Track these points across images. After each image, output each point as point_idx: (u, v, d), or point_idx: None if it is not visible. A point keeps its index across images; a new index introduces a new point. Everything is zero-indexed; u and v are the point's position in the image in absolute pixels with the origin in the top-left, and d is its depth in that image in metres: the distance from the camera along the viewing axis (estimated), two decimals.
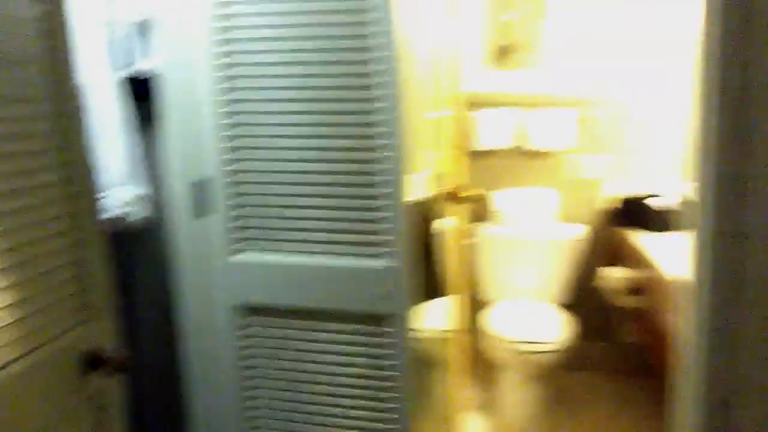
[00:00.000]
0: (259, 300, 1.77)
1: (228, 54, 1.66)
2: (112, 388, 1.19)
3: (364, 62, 1.59)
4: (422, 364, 2.73)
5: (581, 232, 2.95)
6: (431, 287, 3.16)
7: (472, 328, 3.12)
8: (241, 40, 1.65)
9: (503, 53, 3.07)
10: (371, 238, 1.67)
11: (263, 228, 1.74)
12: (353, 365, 1.74)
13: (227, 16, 1.64)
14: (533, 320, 2.73)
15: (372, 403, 1.75)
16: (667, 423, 1.48)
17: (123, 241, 2.01)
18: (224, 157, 1.71)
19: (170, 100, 1.73)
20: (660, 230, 2.59)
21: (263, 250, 1.75)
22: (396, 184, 1.63)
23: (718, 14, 1.21)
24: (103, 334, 1.16)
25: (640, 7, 2.89)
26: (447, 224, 2.10)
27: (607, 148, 3.03)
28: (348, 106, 1.63)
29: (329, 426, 1.79)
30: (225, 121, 1.70)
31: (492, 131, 3.04)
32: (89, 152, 1.15)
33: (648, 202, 2.72)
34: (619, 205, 2.88)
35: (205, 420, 1.87)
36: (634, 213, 2.77)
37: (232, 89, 1.68)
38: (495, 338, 2.62)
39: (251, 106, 1.68)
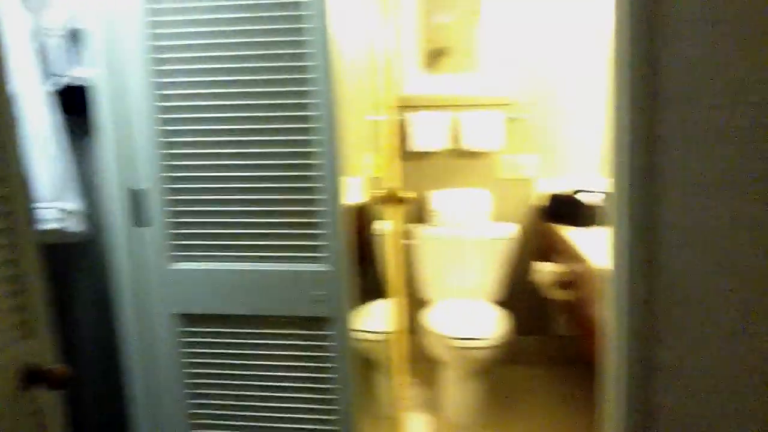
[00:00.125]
0: (200, 308, 1.77)
1: (161, 62, 1.66)
2: (52, 402, 1.18)
3: (298, 67, 1.61)
4: (364, 364, 2.77)
5: (514, 230, 3.05)
6: (372, 289, 3.21)
7: (413, 328, 3.19)
8: (174, 48, 1.65)
9: (437, 56, 3.14)
10: (309, 242, 1.70)
11: (202, 236, 1.74)
12: (294, 369, 1.76)
13: (159, 23, 1.64)
14: (471, 318, 2.80)
15: (314, 406, 1.77)
16: (599, 405, 1.56)
17: (60, 253, 1.98)
18: (161, 165, 1.70)
19: (104, 110, 1.70)
20: (589, 225, 2.71)
21: (202, 257, 1.75)
22: (332, 187, 1.66)
23: (626, 16, 1.29)
24: (42, 349, 1.15)
25: (566, 12, 3.02)
26: (385, 226, 2.14)
27: (537, 147, 3.14)
28: (283, 112, 1.64)
29: (273, 430, 1.80)
30: (160, 129, 1.69)
31: (427, 133, 3.10)
32: (23, 165, 1.14)
33: (578, 198, 2.83)
34: (551, 202, 2.98)
35: (148, 429, 1.86)
36: (565, 209, 2.88)
37: (166, 96, 1.67)
38: (434, 336, 2.68)
39: (186, 113, 1.68)
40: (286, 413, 1.79)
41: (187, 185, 1.72)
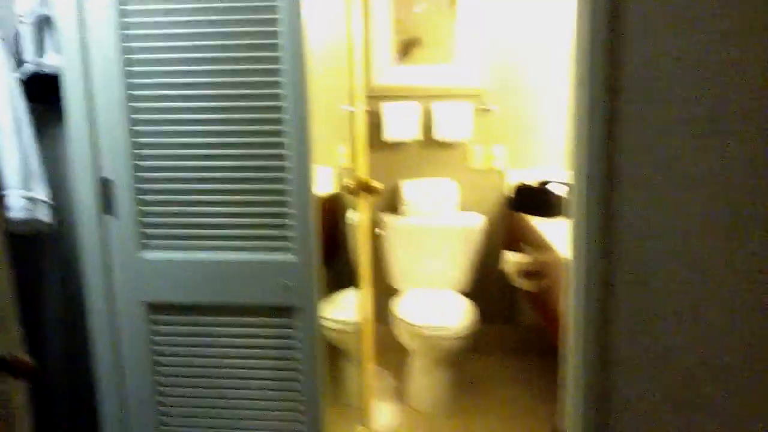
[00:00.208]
0: (169, 297, 1.78)
1: (131, 50, 1.66)
2: (18, 392, 1.19)
3: (269, 57, 1.62)
4: (334, 353, 2.80)
5: (483, 220, 3.09)
6: (344, 278, 3.24)
7: (383, 317, 3.22)
8: (144, 36, 1.65)
9: (410, 46, 3.16)
10: (278, 232, 1.72)
11: (171, 225, 1.74)
12: (264, 357, 1.78)
13: (129, 12, 1.63)
14: (438, 307, 2.85)
15: (282, 393, 1.79)
16: (561, 394, 1.61)
17: (28, 243, 1.97)
18: (131, 154, 1.70)
19: (73, 99, 1.69)
20: (556, 215, 2.76)
21: (172, 247, 1.76)
22: (301, 177, 1.67)
23: (587, 12, 1.33)
24: (8, 340, 1.16)
25: (540, 5, 3.06)
26: (357, 216, 2.17)
27: (507, 138, 3.19)
28: (253, 101, 1.65)
29: (242, 418, 1.83)
30: (130, 117, 1.69)
31: (400, 123, 3.13)
32: None
33: (545, 188, 2.88)
34: (519, 193, 3.02)
35: (117, 418, 1.87)
36: (533, 200, 2.92)
37: (137, 85, 1.67)
38: (403, 325, 2.71)
39: (156, 102, 1.68)
40: (254, 399, 1.81)
41: (157, 174, 1.72)
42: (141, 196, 1.73)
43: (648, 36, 1.34)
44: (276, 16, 1.60)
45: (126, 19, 1.64)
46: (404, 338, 2.75)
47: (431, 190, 3.12)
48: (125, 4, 1.64)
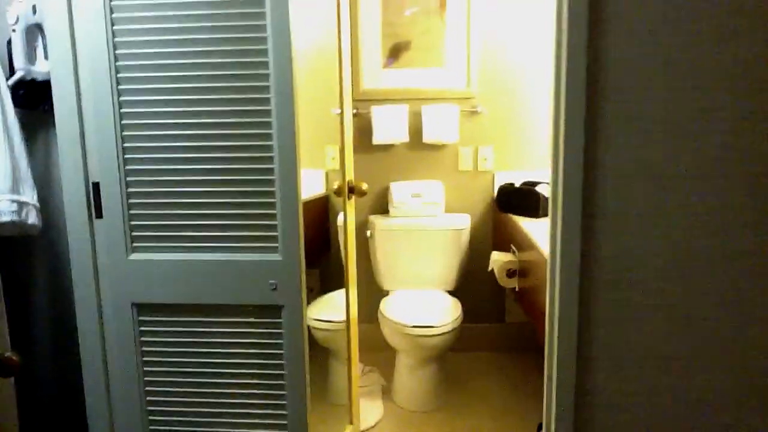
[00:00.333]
0: (157, 297, 1.82)
1: (120, 57, 1.69)
2: (5, 389, 1.21)
3: (257, 63, 1.66)
4: (323, 352, 2.84)
5: (471, 220, 3.13)
6: (333, 279, 3.27)
7: (372, 317, 3.26)
8: (132, 44, 1.68)
9: (399, 50, 3.20)
10: (264, 232, 1.75)
11: (159, 227, 1.78)
12: (249, 356, 1.82)
13: (118, 19, 1.67)
14: (425, 306, 2.88)
15: (268, 392, 1.83)
16: (546, 388, 1.64)
17: (17, 245, 2.01)
18: (119, 157, 1.74)
19: (62, 104, 1.74)
20: (542, 215, 2.79)
21: (160, 248, 1.80)
22: (287, 179, 1.71)
23: (566, 13, 1.37)
24: None
25: (526, 9, 3.10)
26: (346, 217, 2.20)
27: (494, 140, 3.23)
28: (241, 106, 1.69)
29: (229, 417, 1.86)
30: (119, 122, 1.73)
31: (389, 126, 3.17)
32: None
33: (532, 189, 2.92)
34: (506, 193, 3.06)
35: (105, 417, 1.90)
36: (519, 200, 2.96)
37: (125, 91, 1.71)
38: (390, 325, 2.75)
39: (144, 107, 1.72)
40: (240, 399, 1.85)
41: (146, 177, 1.76)
42: (129, 199, 1.77)
43: (627, 37, 1.38)
44: (264, 22, 1.64)
45: (115, 27, 1.68)
46: (391, 337, 2.79)
47: (420, 191, 3.15)
48: (114, 12, 1.68)
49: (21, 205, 1.79)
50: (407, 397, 2.86)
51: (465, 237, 3.13)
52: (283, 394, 1.82)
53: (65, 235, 1.88)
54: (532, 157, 3.23)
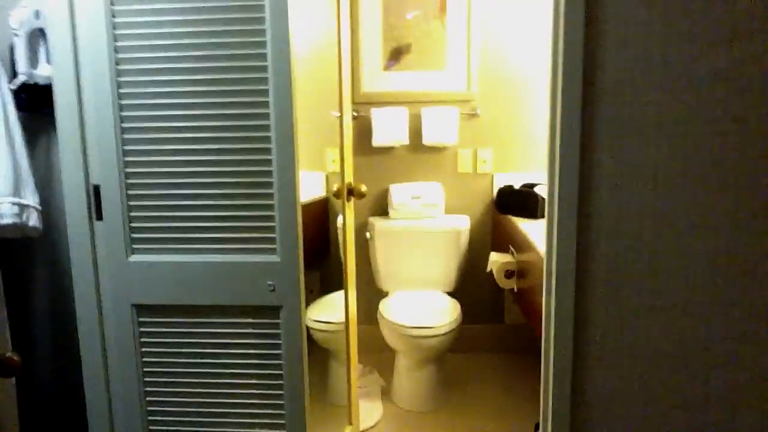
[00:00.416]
0: (158, 298, 1.83)
1: (120, 60, 1.71)
2: (5, 389, 1.23)
3: (257, 66, 1.68)
4: (322, 353, 2.85)
5: (470, 222, 3.14)
6: (333, 281, 3.29)
7: (372, 318, 3.27)
8: (133, 48, 1.70)
9: (400, 53, 3.22)
10: (262, 234, 1.77)
11: (159, 229, 1.80)
12: (247, 356, 1.83)
13: (119, 24, 1.69)
14: (424, 307, 2.90)
15: (267, 392, 1.84)
16: (543, 387, 1.65)
17: (18, 247, 2.03)
18: (120, 159, 1.76)
19: (64, 108, 1.75)
20: (541, 216, 2.80)
21: (160, 250, 1.81)
22: (285, 181, 1.73)
23: (562, 14, 1.38)
24: None
25: (526, 12, 3.11)
26: (346, 219, 2.22)
27: (493, 142, 3.24)
28: (240, 109, 1.71)
29: (228, 418, 1.88)
30: (119, 125, 1.75)
31: (389, 128, 3.19)
32: None
33: (531, 190, 2.92)
34: (505, 195, 3.07)
35: (105, 418, 1.91)
36: (518, 201, 2.97)
37: (126, 94, 1.73)
38: (390, 326, 2.76)
39: (144, 111, 1.74)
40: (240, 399, 1.86)
41: (146, 180, 1.78)
42: (129, 202, 1.79)
43: (623, 38, 1.39)
44: (263, 27, 1.66)
45: (116, 31, 1.70)
46: (390, 338, 2.80)
47: (419, 193, 3.17)
48: (116, 17, 1.70)
49: (22, 207, 1.81)
50: (406, 397, 2.88)
51: (464, 238, 3.15)
52: (281, 394, 1.84)
53: (66, 236, 1.90)
54: (531, 159, 3.25)
